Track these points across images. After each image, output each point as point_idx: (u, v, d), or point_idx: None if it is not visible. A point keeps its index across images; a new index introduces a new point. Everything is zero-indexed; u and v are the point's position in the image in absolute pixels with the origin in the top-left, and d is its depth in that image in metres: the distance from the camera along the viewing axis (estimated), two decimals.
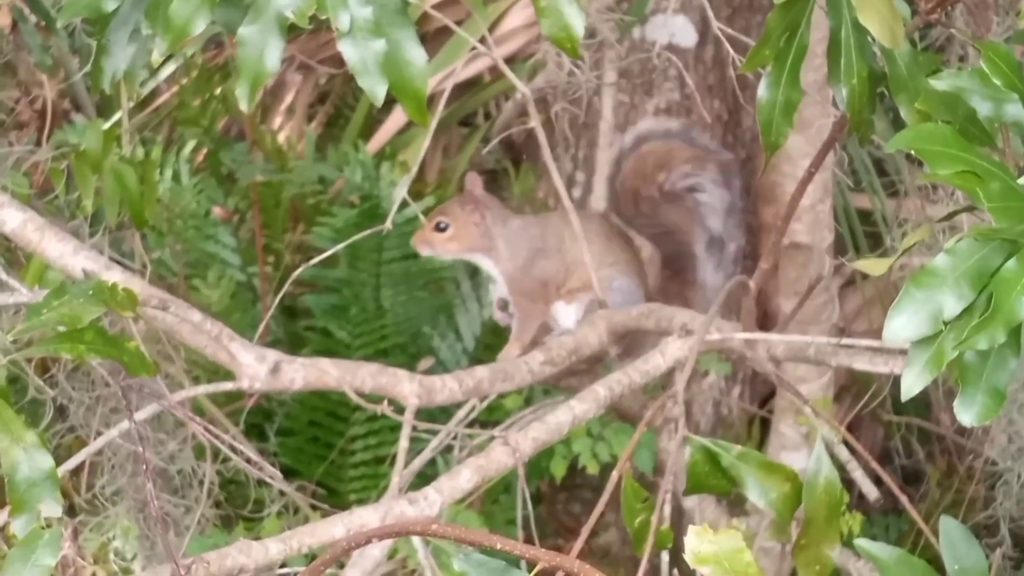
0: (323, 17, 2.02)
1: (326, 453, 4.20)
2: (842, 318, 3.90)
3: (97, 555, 3.46)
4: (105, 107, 4.26)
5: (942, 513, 4.01)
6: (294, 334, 4.37)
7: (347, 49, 2.03)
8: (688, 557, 1.49)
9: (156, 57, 1.99)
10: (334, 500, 4.05)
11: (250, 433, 3.94)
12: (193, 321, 2.46)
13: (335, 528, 2.19)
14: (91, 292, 2.02)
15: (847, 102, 2.12)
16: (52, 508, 1.92)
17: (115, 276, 2.41)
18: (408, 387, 2.65)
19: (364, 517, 2.22)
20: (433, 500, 2.31)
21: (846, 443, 2.69)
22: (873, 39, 2.09)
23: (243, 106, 2.00)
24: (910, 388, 1.86)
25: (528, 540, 3.21)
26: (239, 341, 2.51)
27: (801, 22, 2.08)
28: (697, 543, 1.47)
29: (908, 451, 4.29)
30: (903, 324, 1.86)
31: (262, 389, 2.54)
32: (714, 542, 1.47)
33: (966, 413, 1.88)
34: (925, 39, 3.49)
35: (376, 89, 2.03)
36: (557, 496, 4.34)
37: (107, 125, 3.16)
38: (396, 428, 4.09)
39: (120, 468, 3.45)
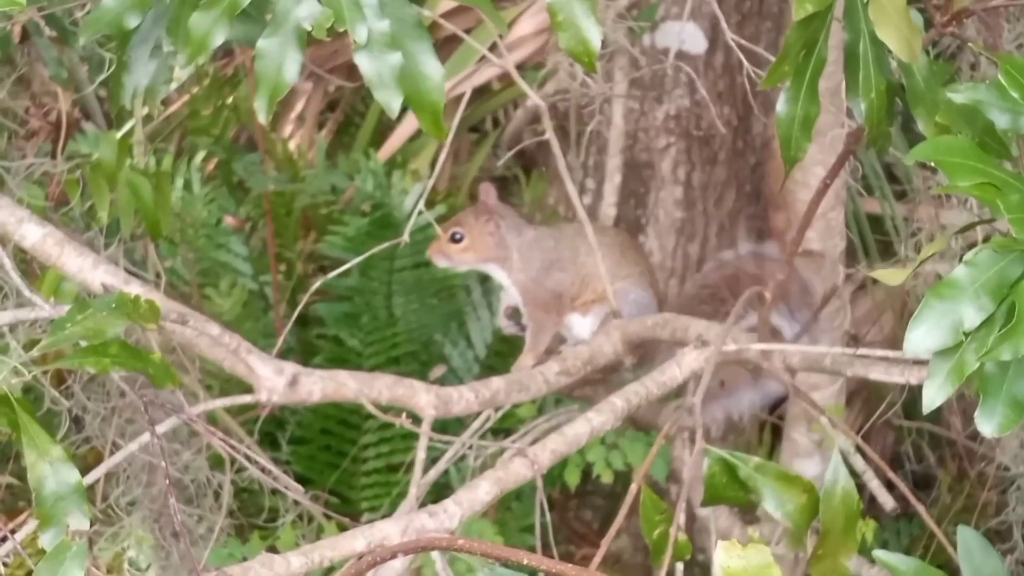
0: (341, 29, 2.03)
1: (338, 461, 4.20)
2: (853, 324, 3.91)
3: (112, 565, 3.47)
4: (116, 115, 4.27)
5: (954, 519, 4.03)
6: (306, 342, 4.37)
7: (363, 62, 2.04)
8: (716, 572, 1.50)
9: (179, 74, 2.01)
10: (346, 508, 4.06)
11: (263, 442, 3.95)
12: (211, 334, 2.47)
13: (356, 541, 2.20)
14: (114, 306, 2.03)
15: (865, 115, 2.13)
16: (80, 521, 1.94)
17: (134, 290, 2.42)
18: (425, 398, 2.66)
19: (385, 530, 2.23)
20: (453, 513, 2.32)
21: (860, 452, 2.71)
22: (890, 52, 2.10)
23: (261, 118, 2.01)
24: (932, 400, 1.87)
25: (544, 548, 3.22)
26: (257, 354, 2.52)
27: (819, 38, 2.09)
28: (726, 558, 1.48)
29: (919, 456, 4.29)
30: (923, 336, 1.87)
31: (280, 401, 2.55)
32: (742, 556, 1.48)
33: (987, 424, 1.89)
34: (936, 46, 3.50)
35: (392, 102, 2.05)
36: (569, 503, 4.34)
37: (119, 135, 3.17)
38: (408, 436, 4.10)
39: (135, 478, 3.45)
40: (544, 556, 1.71)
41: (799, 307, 3.27)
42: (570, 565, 1.54)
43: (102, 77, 3.18)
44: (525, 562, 1.62)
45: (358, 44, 2.03)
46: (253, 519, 3.80)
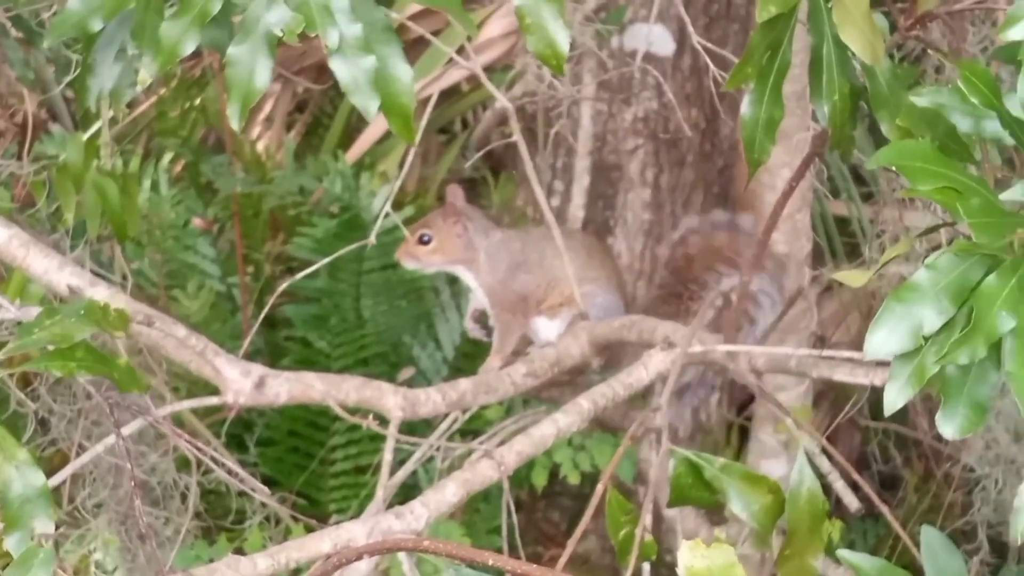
0: (312, 35, 2.04)
1: (306, 463, 4.20)
2: (819, 325, 3.93)
3: (78, 567, 3.46)
4: (82, 116, 4.25)
5: (920, 519, 4.05)
6: (274, 344, 4.37)
7: (338, 66, 2.05)
8: (681, 572, 1.51)
9: (144, 77, 2.01)
10: (314, 510, 4.06)
11: (230, 444, 3.94)
12: (178, 336, 2.47)
13: (323, 543, 2.21)
14: (83, 312, 2.03)
15: (829, 118, 2.15)
16: (45, 525, 1.94)
17: (100, 292, 2.42)
18: (392, 400, 2.67)
19: (352, 532, 2.23)
20: (420, 514, 2.33)
21: (826, 453, 2.72)
22: (854, 55, 2.12)
23: (234, 124, 2.02)
24: (893, 402, 1.89)
25: (511, 549, 3.23)
26: (224, 356, 2.52)
27: (783, 40, 2.10)
28: (690, 557, 1.49)
29: (885, 457, 4.31)
30: (884, 339, 1.88)
31: (247, 403, 2.55)
32: (707, 556, 1.49)
33: (948, 426, 1.91)
34: (901, 49, 3.52)
35: (368, 106, 2.06)
36: (536, 504, 4.35)
37: (86, 136, 3.16)
38: (376, 438, 4.10)
39: (101, 480, 3.45)
40: (511, 557, 1.72)
41: (775, 276, 3.28)
42: (535, 566, 1.55)
43: (69, 79, 3.17)
44: (491, 563, 1.63)
45: (331, 49, 2.04)
46: (220, 521, 3.79)
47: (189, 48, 2.00)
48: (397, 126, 2.11)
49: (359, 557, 1.72)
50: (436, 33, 4.00)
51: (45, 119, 4.57)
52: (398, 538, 2.01)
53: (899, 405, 1.88)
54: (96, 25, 2.07)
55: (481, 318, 3.24)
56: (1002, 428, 3.69)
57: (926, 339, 1.86)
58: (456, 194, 3.16)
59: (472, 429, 3.61)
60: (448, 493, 2.39)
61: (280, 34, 2.02)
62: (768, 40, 2.11)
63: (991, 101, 1.92)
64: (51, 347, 2.04)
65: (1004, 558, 3.91)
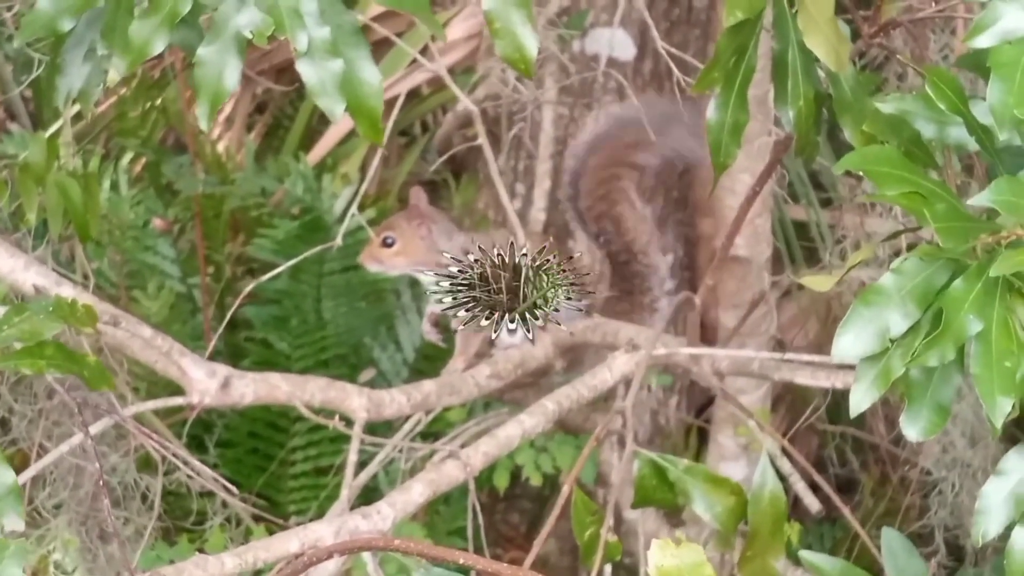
0: (282, 37, 2.05)
1: (267, 464, 4.20)
2: (779, 329, 3.96)
3: (37, 568, 3.45)
4: (41, 116, 4.24)
5: (877, 522, 4.08)
6: (234, 345, 4.36)
7: (305, 69, 2.05)
8: (651, 571, 1.52)
9: (114, 76, 2.01)
10: (274, 511, 4.05)
11: (190, 444, 3.93)
12: (144, 336, 2.47)
13: (290, 543, 2.21)
14: (51, 309, 2.04)
15: (794, 124, 2.17)
16: (15, 522, 1.94)
17: (66, 292, 2.42)
18: (357, 401, 2.67)
19: (318, 532, 2.24)
20: (386, 514, 2.34)
21: (787, 455, 2.75)
22: (818, 61, 2.14)
23: (202, 124, 2.02)
24: (858, 404, 1.91)
25: (475, 550, 3.24)
26: (190, 356, 2.53)
27: (749, 45, 2.12)
28: (659, 556, 1.50)
29: (843, 460, 4.34)
30: (851, 342, 1.90)
31: (212, 404, 2.56)
32: (676, 555, 1.50)
33: (912, 428, 1.94)
34: (864, 56, 3.55)
35: (334, 109, 2.06)
36: (496, 506, 4.35)
37: (46, 135, 3.15)
38: (336, 440, 4.10)
39: (62, 480, 3.44)
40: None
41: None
42: (505, 565, 1.56)
43: (30, 79, 3.17)
44: (461, 562, 1.64)
45: (299, 52, 2.04)
46: (180, 522, 3.78)
47: (158, 48, 2.00)
48: (365, 128, 2.12)
49: (329, 556, 1.73)
50: (399, 35, 4.01)
51: (3, 118, 4.54)
52: (368, 537, 2.01)
53: (864, 407, 1.90)
54: (66, 25, 2.07)
55: (439, 322, 3.24)
56: (958, 432, 3.73)
57: (892, 342, 1.88)
58: (419, 197, 3.17)
59: (433, 431, 3.62)
60: (414, 494, 2.41)
61: (249, 36, 2.03)
62: (734, 45, 2.12)
63: (958, 107, 1.95)
64: (18, 345, 2.04)
65: (961, 561, 3.95)
